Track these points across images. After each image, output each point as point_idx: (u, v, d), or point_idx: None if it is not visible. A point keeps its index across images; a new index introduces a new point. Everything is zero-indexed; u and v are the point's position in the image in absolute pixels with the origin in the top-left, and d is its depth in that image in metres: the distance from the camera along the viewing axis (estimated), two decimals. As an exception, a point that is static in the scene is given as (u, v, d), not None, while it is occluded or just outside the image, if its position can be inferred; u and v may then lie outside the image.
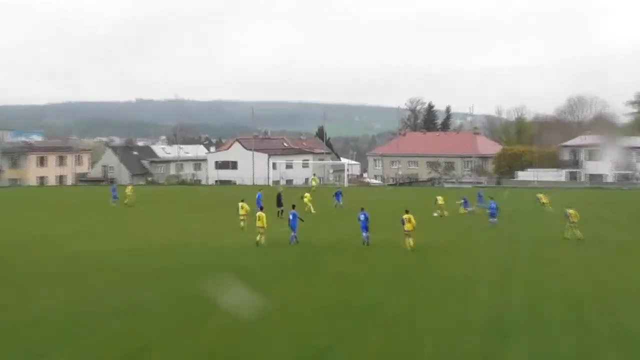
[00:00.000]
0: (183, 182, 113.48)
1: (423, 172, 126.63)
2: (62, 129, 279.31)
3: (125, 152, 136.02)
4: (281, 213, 49.86)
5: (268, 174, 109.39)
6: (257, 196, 51.95)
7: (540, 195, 57.93)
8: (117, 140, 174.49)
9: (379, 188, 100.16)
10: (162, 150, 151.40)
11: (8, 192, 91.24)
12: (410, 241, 35.03)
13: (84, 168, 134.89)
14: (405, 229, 35.22)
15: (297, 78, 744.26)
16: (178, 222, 48.68)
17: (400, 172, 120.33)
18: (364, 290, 25.66)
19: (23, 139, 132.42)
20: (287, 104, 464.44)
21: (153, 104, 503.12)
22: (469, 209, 54.12)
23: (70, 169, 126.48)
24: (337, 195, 60.09)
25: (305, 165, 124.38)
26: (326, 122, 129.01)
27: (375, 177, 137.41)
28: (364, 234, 37.21)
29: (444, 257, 33.89)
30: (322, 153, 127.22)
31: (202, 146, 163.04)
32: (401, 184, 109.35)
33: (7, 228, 46.18)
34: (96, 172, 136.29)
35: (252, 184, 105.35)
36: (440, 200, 52.72)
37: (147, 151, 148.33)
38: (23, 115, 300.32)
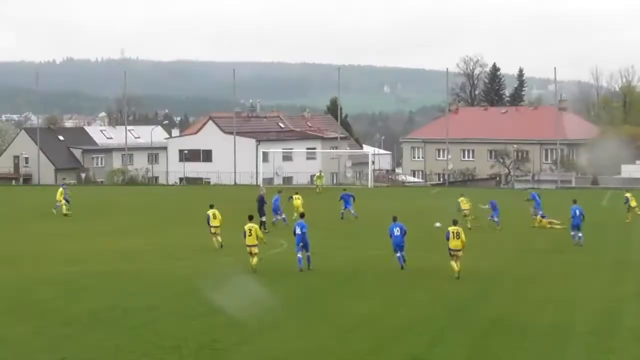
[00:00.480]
0: (132, 181, 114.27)
1: (483, 166, 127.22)
2: None
3: (47, 136, 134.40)
4: (264, 225, 51.57)
5: (257, 168, 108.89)
6: (274, 199, 56.20)
7: (627, 195, 60.45)
8: (34, 119, 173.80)
9: (418, 189, 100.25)
10: (100, 133, 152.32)
11: None
12: (455, 264, 36.07)
13: None
14: (451, 246, 36.13)
15: (298, 28, 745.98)
16: (122, 243, 49.59)
17: (450, 166, 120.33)
18: (404, 345, 25.94)
19: None
20: (284, 66, 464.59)
21: (87, 65, 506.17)
22: (495, 219, 55.68)
23: None
24: (346, 199, 61.24)
25: (311, 157, 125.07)
26: (342, 92, 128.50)
27: (414, 173, 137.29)
28: (398, 254, 38.09)
29: (510, 284, 34.65)
30: (336, 138, 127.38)
31: (159, 127, 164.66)
32: (451, 183, 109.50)
33: None
34: (4, 165, 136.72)
35: (233, 182, 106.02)
36: (464, 203, 55.46)
37: (79, 135, 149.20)
38: None
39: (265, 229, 50.18)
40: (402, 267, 37.73)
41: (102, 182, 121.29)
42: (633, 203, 58.91)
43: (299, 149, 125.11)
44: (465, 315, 29.79)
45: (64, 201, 65.14)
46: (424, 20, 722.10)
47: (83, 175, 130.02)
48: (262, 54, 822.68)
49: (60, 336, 25.96)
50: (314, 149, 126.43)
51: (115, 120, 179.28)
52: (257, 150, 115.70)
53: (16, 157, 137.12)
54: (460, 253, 36.00)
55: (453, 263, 35.97)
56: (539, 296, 33.61)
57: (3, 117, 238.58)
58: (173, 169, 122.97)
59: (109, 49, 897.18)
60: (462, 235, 36.06)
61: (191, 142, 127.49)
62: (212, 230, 45.28)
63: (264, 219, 52.79)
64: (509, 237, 51.47)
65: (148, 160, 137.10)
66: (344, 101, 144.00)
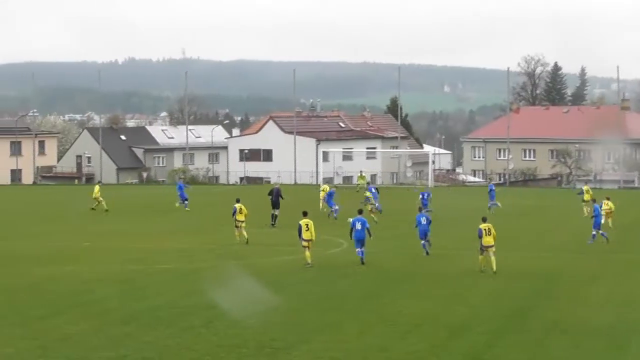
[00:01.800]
0: (193, 181, 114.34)
1: (544, 166, 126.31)
2: (12, 102, 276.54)
3: (109, 136, 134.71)
4: (275, 219, 55.09)
5: (317, 168, 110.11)
6: (327, 194, 60.85)
7: (584, 188, 62.23)
8: (97, 119, 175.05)
9: (478, 189, 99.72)
10: (162, 133, 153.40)
11: None
12: (490, 260, 37.11)
13: (49, 159, 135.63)
14: (483, 243, 37.27)
15: (358, 27, 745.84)
16: (182, 241, 50.17)
17: (511, 166, 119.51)
18: (463, 344, 25.95)
19: None
20: (345, 66, 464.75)
21: (149, 65, 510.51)
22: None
23: (29, 161, 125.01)
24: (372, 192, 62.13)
25: (371, 156, 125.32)
26: (402, 91, 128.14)
27: (474, 172, 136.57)
28: (422, 241, 41.64)
29: (569, 284, 34.67)
30: (396, 137, 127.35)
31: (220, 127, 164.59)
32: (512, 183, 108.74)
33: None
34: (67, 165, 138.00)
35: (293, 182, 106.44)
36: (588, 194, 58.86)
37: (142, 134, 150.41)
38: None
39: (274, 224, 54.61)
40: (427, 254, 41.20)
41: (163, 181, 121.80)
42: (587, 197, 59.37)
43: (359, 148, 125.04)
44: (524, 315, 29.68)
45: (100, 198, 66.92)
46: (483, 18, 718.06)
47: (144, 174, 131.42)
48: (322, 53, 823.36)
49: (121, 334, 26.18)
50: (374, 148, 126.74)
51: (176, 119, 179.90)
52: (317, 149, 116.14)
53: (79, 157, 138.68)
54: (493, 249, 37.08)
55: (482, 258, 37.31)
56: (599, 296, 33.37)
57: (66, 117, 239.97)
58: (233, 169, 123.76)
59: (170, 49, 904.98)
60: (494, 232, 37.26)
61: (251, 142, 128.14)
62: (237, 224, 46.86)
63: (276, 212, 55.36)
64: (568, 236, 51.18)
65: (209, 160, 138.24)
66: (404, 100, 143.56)
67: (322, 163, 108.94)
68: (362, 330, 27.09)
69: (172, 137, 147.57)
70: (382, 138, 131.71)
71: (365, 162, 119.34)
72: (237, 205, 47.10)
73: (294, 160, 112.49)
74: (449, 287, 34.79)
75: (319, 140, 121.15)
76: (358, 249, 39.28)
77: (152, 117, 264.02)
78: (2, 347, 24.28)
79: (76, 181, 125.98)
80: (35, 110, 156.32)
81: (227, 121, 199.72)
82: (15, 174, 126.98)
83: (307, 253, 38.76)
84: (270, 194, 56.95)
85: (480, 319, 28.80)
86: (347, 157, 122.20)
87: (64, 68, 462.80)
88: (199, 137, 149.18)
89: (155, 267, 40.20)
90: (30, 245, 48.70)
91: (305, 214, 39.92)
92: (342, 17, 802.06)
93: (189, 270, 39.10)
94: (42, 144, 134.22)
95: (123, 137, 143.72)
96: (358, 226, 39.17)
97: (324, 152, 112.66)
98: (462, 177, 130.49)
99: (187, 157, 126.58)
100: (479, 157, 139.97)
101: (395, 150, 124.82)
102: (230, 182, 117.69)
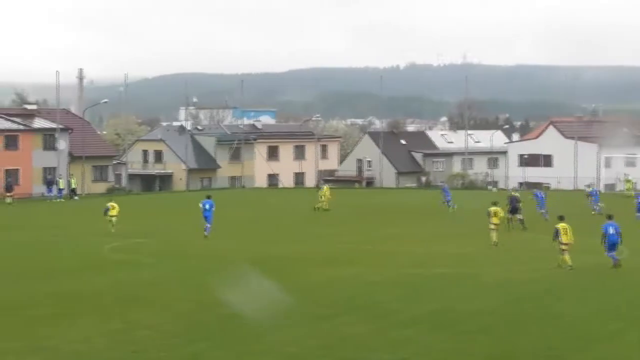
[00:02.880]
0: (471, 185, 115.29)
1: None
2: (297, 106, 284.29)
3: (389, 140, 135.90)
4: (521, 222, 57.97)
5: (598, 174, 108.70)
6: (540, 196, 64.88)
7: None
8: (377, 123, 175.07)
9: None
10: (441, 137, 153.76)
11: (233, 194, 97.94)
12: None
13: (330, 163, 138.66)
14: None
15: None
16: (462, 246, 50.40)
17: None
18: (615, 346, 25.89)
19: (249, 120, 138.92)
20: (625, 69, 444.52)
21: (430, 70, 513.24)
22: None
23: (312, 164, 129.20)
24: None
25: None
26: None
27: None
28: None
29: None
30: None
31: (499, 132, 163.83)
32: None
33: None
34: (348, 169, 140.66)
35: (573, 187, 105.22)
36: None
37: (421, 139, 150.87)
38: (256, 87, 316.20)
39: (522, 224, 57.52)
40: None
41: (440, 185, 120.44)
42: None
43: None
44: None
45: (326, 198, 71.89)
46: None
47: (423, 178, 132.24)
48: (605, 57, 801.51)
49: (401, 337, 26.55)
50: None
51: (456, 124, 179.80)
52: (598, 156, 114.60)
53: (359, 161, 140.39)
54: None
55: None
56: None
57: (348, 122, 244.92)
58: (513, 174, 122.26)
59: (451, 54, 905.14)
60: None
61: (531, 147, 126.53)
62: (492, 226, 49.79)
63: (519, 216, 58.38)
64: None
65: (487, 165, 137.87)
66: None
67: (604, 169, 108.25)
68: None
69: (452, 142, 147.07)
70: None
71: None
72: (493, 209, 50.02)
73: (574, 165, 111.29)
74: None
75: (601, 146, 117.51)
76: (610, 253, 40.03)
77: (432, 121, 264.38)
78: (287, 347, 25.20)
79: (356, 185, 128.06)
80: (318, 115, 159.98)
81: (506, 126, 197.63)
82: (299, 177, 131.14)
83: (566, 256, 39.71)
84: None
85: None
86: (630, 162, 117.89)
87: (346, 73, 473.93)
88: (478, 142, 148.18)
89: (433, 270, 40.59)
90: (313, 246, 50.26)
91: (561, 218, 41.16)
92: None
93: (468, 275, 39.20)
94: (324, 148, 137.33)
95: (403, 142, 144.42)
96: (611, 231, 39.85)
97: (606, 157, 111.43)
98: None
99: (466, 162, 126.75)
100: None
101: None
102: (509, 188, 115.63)
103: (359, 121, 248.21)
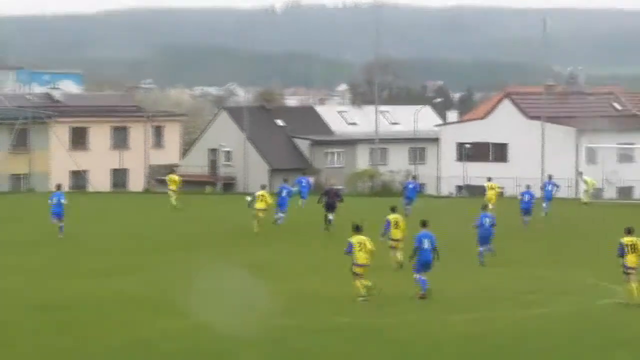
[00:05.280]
0: (385, 190, 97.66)
1: None
2: (118, 67, 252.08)
3: (259, 119, 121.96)
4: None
5: (576, 172, 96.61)
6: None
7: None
8: (241, 94, 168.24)
9: None
10: (339, 117, 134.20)
11: (15, 204, 76.37)
12: (633, 285, 34.55)
13: (168, 154, 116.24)
14: (627, 264, 34.52)
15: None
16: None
17: None
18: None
19: (42, 88, 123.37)
20: (619, 17, 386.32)
21: (323, 12, 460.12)
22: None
23: (140, 156, 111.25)
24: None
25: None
26: None
27: None
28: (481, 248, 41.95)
29: None
30: None
31: (428, 108, 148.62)
32: None
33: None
34: (195, 163, 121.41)
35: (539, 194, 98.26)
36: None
37: (308, 118, 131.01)
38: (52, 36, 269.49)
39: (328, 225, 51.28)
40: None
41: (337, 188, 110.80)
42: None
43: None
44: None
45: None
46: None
47: (311, 179, 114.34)
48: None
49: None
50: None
51: (361, 96, 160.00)
52: (577, 144, 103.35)
53: (213, 151, 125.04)
54: (636, 271, 35.36)
55: (629, 285, 34.68)
56: None
57: (195, 90, 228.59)
58: (447, 173, 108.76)
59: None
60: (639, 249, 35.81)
61: (476, 132, 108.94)
62: (393, 244, 41.89)
63: (331, 217, 51.55)
64: None
65: (409, 159, 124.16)
66: None
67: (586, 166, 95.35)
68: None
69: (355, 123, 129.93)
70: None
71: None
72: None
73: (540, 160, 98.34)
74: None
75: (580, 131, 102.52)
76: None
77: (325, 92, 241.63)
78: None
79: (208, 187, 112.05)
80: (150, 80, 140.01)
81: (439, 99, 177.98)
82: (119, 176, 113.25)
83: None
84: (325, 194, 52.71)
85: None
86: (624, 156, 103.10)
87: (191, 17, 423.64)
88: (396, 123, 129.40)
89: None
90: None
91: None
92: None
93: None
94: (159, 131, 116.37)
95: (280, 123, 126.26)
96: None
97: (587, 148, 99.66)
98: None
99: (377, 154, 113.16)
100: None
101: None
102: (442, 193, 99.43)
103: (213, 90, 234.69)
